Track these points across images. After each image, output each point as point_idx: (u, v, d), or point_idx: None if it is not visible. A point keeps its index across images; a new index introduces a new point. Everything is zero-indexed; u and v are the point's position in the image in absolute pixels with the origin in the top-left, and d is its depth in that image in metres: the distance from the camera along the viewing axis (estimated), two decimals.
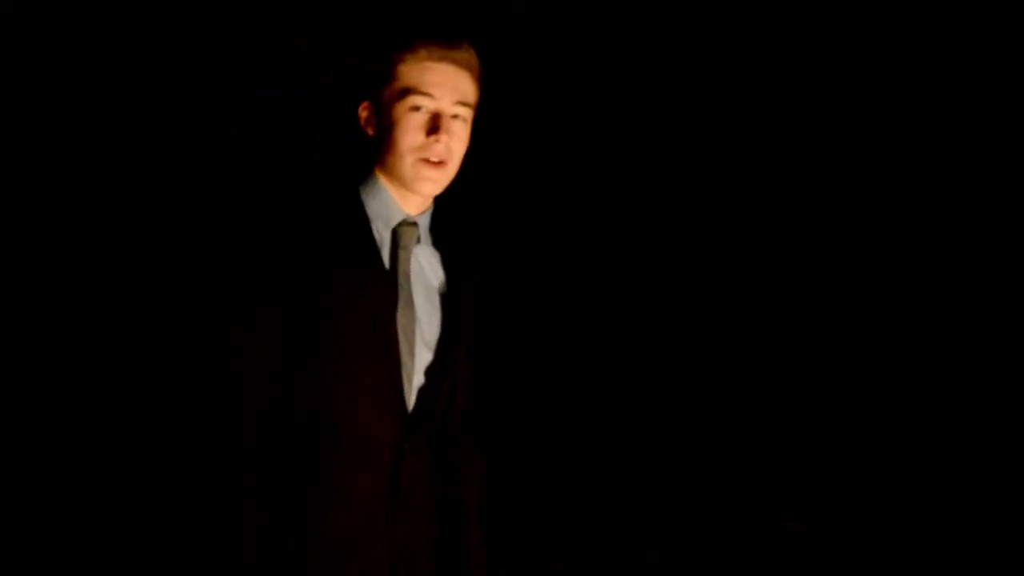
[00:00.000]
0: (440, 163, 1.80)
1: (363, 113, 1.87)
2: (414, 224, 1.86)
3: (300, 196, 1.80)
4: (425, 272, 1.87)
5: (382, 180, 1.84)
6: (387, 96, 1.82)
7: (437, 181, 1.82)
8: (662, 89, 3.69)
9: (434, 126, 1.79)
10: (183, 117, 3.01)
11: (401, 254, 1.84)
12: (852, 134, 3.55)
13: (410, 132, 1.79)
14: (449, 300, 1.87)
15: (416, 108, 1.79)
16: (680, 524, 3.44)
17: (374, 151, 1.86)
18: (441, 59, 1.80)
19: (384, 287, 1.80)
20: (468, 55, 1.83)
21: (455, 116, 1.81)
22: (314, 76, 3.07)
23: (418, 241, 1.86)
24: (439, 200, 1.89)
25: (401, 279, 1.82)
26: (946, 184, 3.41)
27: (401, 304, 1.80)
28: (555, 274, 3.65)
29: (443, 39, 1.81)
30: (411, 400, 1.80)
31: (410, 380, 1.80)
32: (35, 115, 2.88)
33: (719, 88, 3.67)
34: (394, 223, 1.84)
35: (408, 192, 1.84)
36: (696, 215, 3.72)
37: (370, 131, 1.86)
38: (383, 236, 1.83)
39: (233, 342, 1.70)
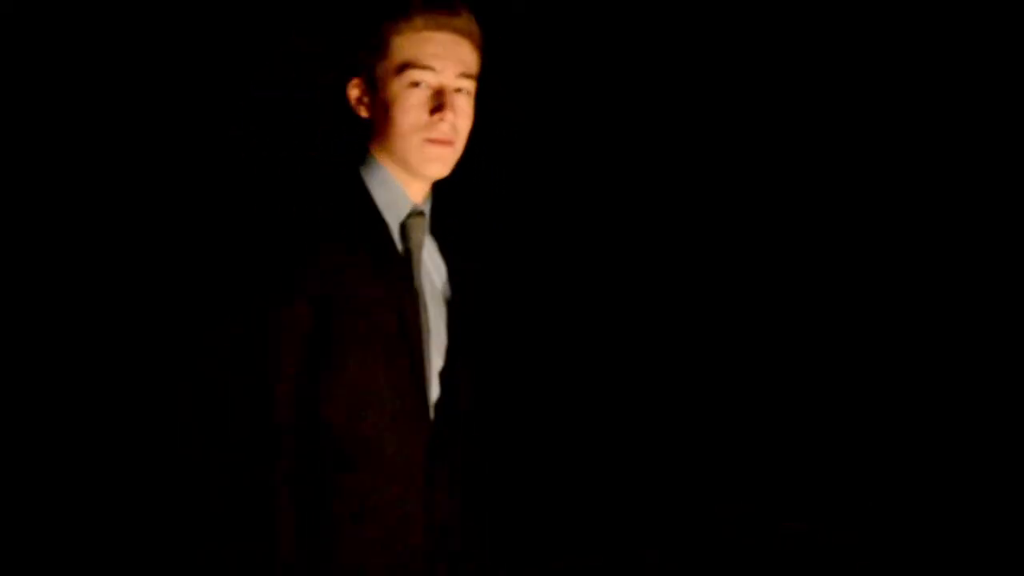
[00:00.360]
0: (447, 141, 1.64)
1: (353, 92, 1.70)
2: (421, 214, 1.70)
3: (308, 190, 1.66)
4: (427, 266, 1.73)
5: (386, 165, 1.68)
6: (381, 72, 1.65)
7: (446, 160, 1.66)
8: (662, 88, 3.69)
9: (438, 104, 1.62)
10: (183, 117, 3.01)
11: (413, 249, 1.69)
12: (852, 134, 3.55)
13: (411, 111, 1.63)
14: (453, 298, 1.75)
15: (416, 84, 1.62)
16: (680, 524, 3.44)
17: (370, 134, 1.70)
18: (440, 27, 1.63)
19: (407, 287, 1.66)
20: (468, 22, 1.67)
21: (458, 90, 1.65)
22: (314, 76, 3.06)
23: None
24: (437, 189, 1.77)
25: (415, 276, 1.68)
26: (946, 184, 3.41)
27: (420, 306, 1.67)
28: (555, 274, 3.65)
29: (441, 5, 1.65)
30: (430, 410, 1.68)
31: (429, 387, 1.68)
32: (35, 115, 2.88)
33: (720, 87, 3.67)
34: (404, 214, 1.69)
35: (413, 176, 1.68)
36: (696, 214, 3.72)
37: (363, 112, 1.69)
38: (394, 228, 1.68)
39: (248, 344, 1.57)
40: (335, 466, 1.60)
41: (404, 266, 1.67)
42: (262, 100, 3.06)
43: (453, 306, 1.75)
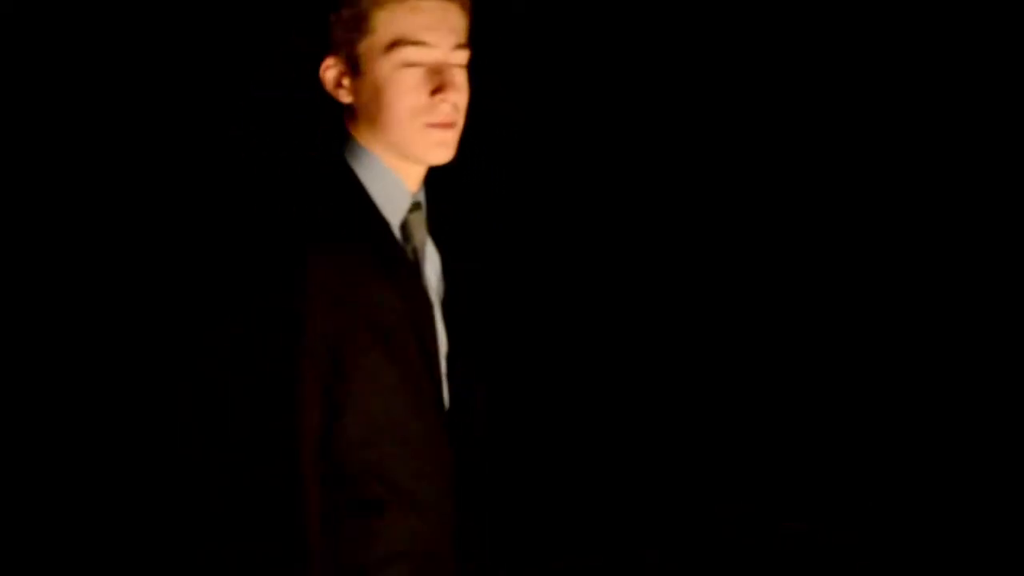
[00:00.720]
0: (450, 123, 1.47)
1: (329, 73, 1.50)
2: (419, 206, 1.54)
3: (305, 188, 1.48)
4: (424, 264, 1.58)
5: (377, 153, 1.50)
6: (364, 50, 1.45)
7: (450, 144, 1.48)
8: (662, 87, 3.69)
9: (438, 84, 1.44)
10: (183, 117, 3.01)
11: (418, 250, 1.53)
12: (852, 134, 3.55)
13: (408, 94, 1.44)
14: (450, 298, 1.64)
15: (410, 63, 1.43)
16: (680, 524, 3.44)
17: (352, 118, 1.51)
18: None
19: (419, 295, 1.50)
20: None
21: (454, 63, 1.47)
22: (314, 76, 3.05)
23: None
24: (435, 187, 1.63)
25: (423, 279, 1.53)
26: (946, 184, 3.41)
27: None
28: (555, 273, 3.64)
29: None
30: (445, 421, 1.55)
31: (443, 402, 1.54)
32: (35, 115, 2.88)
33: (719, 87, 3.67)
34: (405, 210, 1.51)
35: (409, 164, 1.51)
36: (696, 214, 3.72)
37: (344, 96, 1.50)
38: (395, 226, 1.51)
39: (249, 345, 1.42)
40: (359, 508, 1.46)
41: (413, 271, 1.52)
42: (262, 100, 3.06)
43: (451, 306, 1.65)
